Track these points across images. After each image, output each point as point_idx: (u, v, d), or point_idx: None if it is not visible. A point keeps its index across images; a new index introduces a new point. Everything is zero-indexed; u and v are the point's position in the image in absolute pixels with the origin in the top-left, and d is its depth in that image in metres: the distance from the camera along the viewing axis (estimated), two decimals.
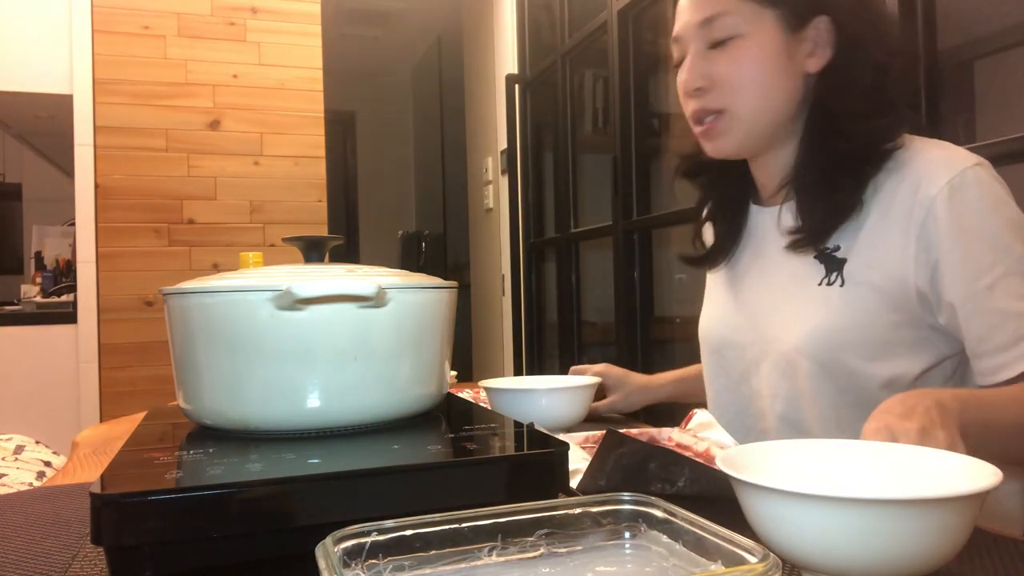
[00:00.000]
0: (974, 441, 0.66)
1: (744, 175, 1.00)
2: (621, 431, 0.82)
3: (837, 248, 0.86)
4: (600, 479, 0.67)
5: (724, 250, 1.02)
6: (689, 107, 0.92)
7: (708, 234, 1.08)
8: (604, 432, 0.73)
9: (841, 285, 0.84)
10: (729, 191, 1.02)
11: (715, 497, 0.61)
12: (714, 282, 1.06)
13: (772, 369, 0.92)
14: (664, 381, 1.25)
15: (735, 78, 0.87)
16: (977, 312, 0.78)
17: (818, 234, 0.86)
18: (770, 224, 0.95)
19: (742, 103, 0.88)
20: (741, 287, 1.00)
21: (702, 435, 0.81)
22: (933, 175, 0.80)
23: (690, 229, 1.13)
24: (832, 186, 0.85)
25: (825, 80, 0.87)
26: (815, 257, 0.87)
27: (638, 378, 1.25)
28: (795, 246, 0.88)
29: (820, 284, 0.87)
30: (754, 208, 1.00)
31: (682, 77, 0.91)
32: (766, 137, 0.90)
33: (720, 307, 1.03)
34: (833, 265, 0.86)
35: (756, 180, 0.98)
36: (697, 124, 0.92)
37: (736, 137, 0.90)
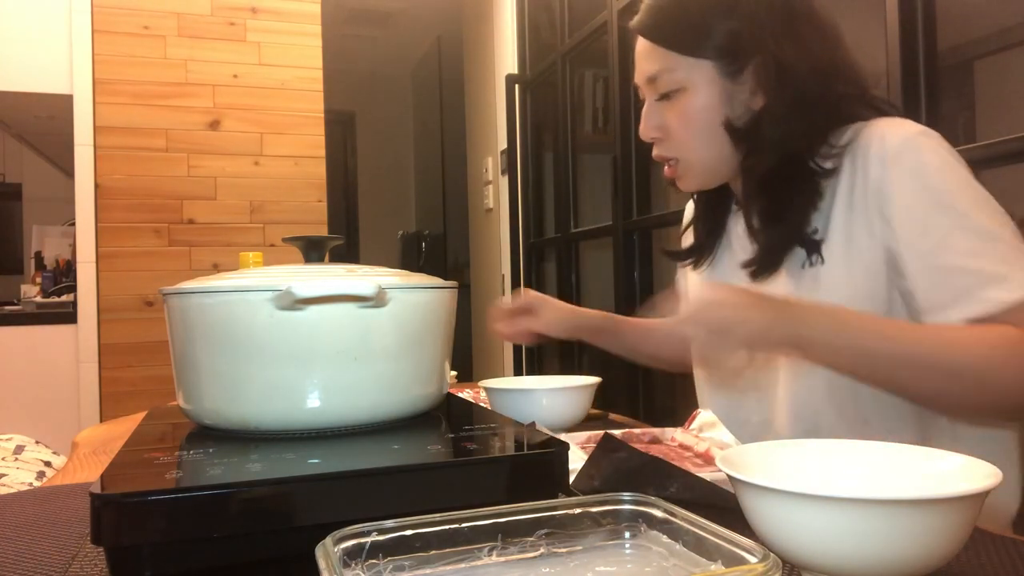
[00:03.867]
0: (821, 352, 0.77)
1: (728, 191, 1.04)
2: (618, 434, 0.82)
3: (815, 231, 0.89)
4: (595, 480, 0.67)
5: (707, 248, 1.05)
6: (653, 151, 0.98)
7: (688, 236, 1.11)
8: (603, 433, 0.73)
9: (823, 263, 0.87)
10: (713, 197, 1.05)
11: (708, 506, 0.61)
12: (696, 287, 1.09)
13: (766, 358, 0.94)
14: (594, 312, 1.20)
15: (681, 131, 0.92)
16: (924, 270, 0.80)
17: (771, 262, 0.90)
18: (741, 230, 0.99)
19: (691, 153, 0.93)
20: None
21: (704, 435, 0.81)
22: (883, 145, 0.83)
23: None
24: (778, 213, 0.89)
25: (768, 113, 0.89)
26: (798, 244, 0.90)
27: (561, 304, 1.18)
28: (754, 276, 0.92)
29: (803, 267, 0.89)
30: (735, 215, 1.04)
31: (640, 128, 0.97)
32: (724, 172, 0.95)
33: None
34: (813, 247, 0.89)
35: (733, 188, 1.03)
36: (663, 164, 0.98)
37: (696, 179, 0.96)
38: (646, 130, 0.96)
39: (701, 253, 1.06)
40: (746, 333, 0.74)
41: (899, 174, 0.81)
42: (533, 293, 1.17)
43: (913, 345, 0.75)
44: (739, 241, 1.01)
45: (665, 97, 0.92)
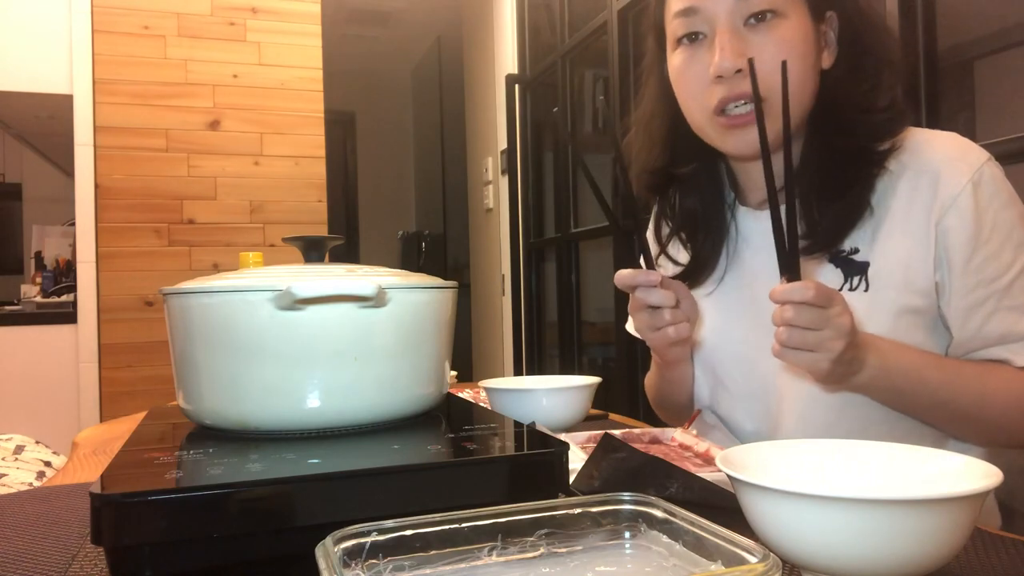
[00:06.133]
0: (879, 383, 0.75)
1: (723, 178, 0.96)
2: (618, 434, 0.82)
3: (856, 251, 0.82)
4: (595, 480, 0.67)
5: (710, 261, 0.95)
6: (715, 94, 0.83)
7: (679, 252, 1.00)
8: (603, 434, 0.73)
9: (866, 290, 0.81)
10: (707, 197, 0.96)
11: (708, 506, 0.61)
12: (698, 297, 0.94)
13: (792, 383, 0.85)
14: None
15: (778, 59, 0.75)
16: (998, 310, 0.78)
17: (831, 237, 0.82)
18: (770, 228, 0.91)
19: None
20: (740, 298, 0.92)
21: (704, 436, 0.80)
22: (953, 172, 0.79)
23: None
24: (840, 187, 0.82)
25: (831, 76, 0.84)
26: (830, 261, 0.83)
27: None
28: (807, 252, 0.82)
29: (841, 289, 0.82)
30: (743, 211, 0.94)
31: (715, 59, 0.81)
32: (793, 130, 0.83)
33: (720, 322, 0.94)
34: (854, 269, 0.82)
35: (745, 183, 0.94)
36: (725, 113, 0.83)
37: (774, 128, 0.77)
38: (733, 58, 0.80)
39: (703, 268, 0.95)
40: (827, 360, 0.69)
41: (976, 208, 0.78)
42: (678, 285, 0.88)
43: (978, 398, 0.77)
44: (757, 243, 0.91)
45: (759, 19, 0.80)
